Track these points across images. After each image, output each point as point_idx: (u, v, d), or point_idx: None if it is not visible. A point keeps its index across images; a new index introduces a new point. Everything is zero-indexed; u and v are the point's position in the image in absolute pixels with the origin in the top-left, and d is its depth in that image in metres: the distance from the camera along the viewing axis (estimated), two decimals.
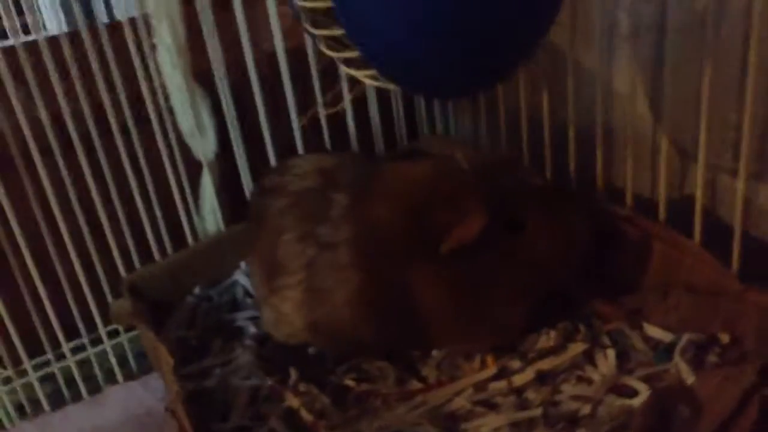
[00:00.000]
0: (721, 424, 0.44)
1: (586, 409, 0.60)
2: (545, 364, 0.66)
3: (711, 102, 0.63)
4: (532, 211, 0.66)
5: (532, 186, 0.71)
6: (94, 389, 0.89)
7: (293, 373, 0.71)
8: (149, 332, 0.73)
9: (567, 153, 0.78)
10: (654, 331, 0.66)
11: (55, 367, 0.86)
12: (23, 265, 0.81)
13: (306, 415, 0.66)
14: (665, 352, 0.62)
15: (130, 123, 0.81)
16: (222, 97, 0.85)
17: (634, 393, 0.59)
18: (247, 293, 0.84)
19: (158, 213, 0.86)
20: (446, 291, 0.66)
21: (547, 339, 0.69)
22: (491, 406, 0.65)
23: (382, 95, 0.96)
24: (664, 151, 0.70)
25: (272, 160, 0.89)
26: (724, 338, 0.62)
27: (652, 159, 0.77)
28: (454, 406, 0.66)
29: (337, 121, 0.91)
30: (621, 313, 0.68)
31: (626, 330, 0.67)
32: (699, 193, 0.66)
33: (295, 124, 0.88)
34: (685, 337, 0.62)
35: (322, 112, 0.89)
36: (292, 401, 0.68)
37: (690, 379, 0.57)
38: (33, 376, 0.84)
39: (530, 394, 0.64)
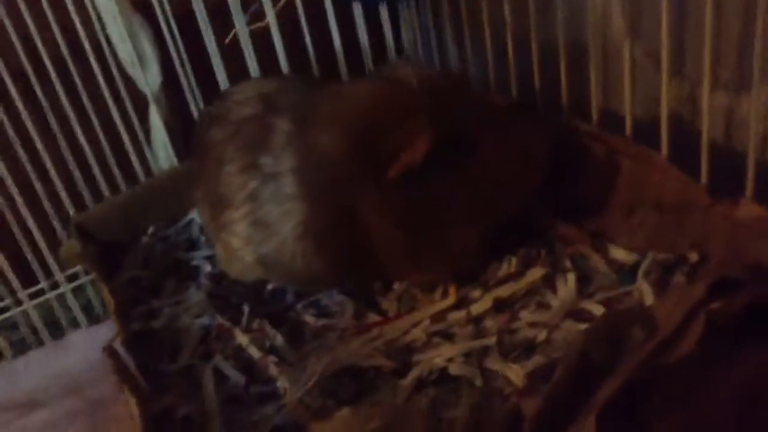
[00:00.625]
0: (662, 343, 0.41)
1: (542, 336, 0.57)
2: (503, 291, 0.62)
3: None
4: (485, 130, 0.61)
5: (486, 104, 0.66)
6: (60, 335, 0.87)
7: (246, 310, 0.68)
8: (96, 273, 0.71)
9: (557, 72, 0.72)
10: (618, 253, 0.62)
11: (14, 312, 0.84)
12: None
13: (255, 352, 0.63)
14: (629, 274, 0.59)
15: (66, 54, 0.76)
16: (162, 23, 0.80)
17: (592, 318, 0.56)
18: (203, 231, 0.81)
19: (107, 151, 0.82)
20: (398, 219, 0.62)
21: (508, 266, 0.65)
22: (448, 336, 0.62)
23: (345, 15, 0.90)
24: (627, 61, 0.64)
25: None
26: (693, 257, 0.58)
27: (631, 75, 0.72)
28: (410, 338, 0.63)
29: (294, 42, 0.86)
30: (584, 235, 0.64)
31: (589, 253, 0.63)
32: (664, 102, 0.60)
33: (248, 51, 0.83)
34: (650, 257, 0.58)
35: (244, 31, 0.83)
36: (242, 338, 0.65)
37: (650, 301, 0.53)
38: None
39: (488, 323, 0.61)
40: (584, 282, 0.61)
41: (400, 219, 0.62)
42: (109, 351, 0.58)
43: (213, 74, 0.85)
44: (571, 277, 0.61)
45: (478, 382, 0.56)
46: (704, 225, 0.57)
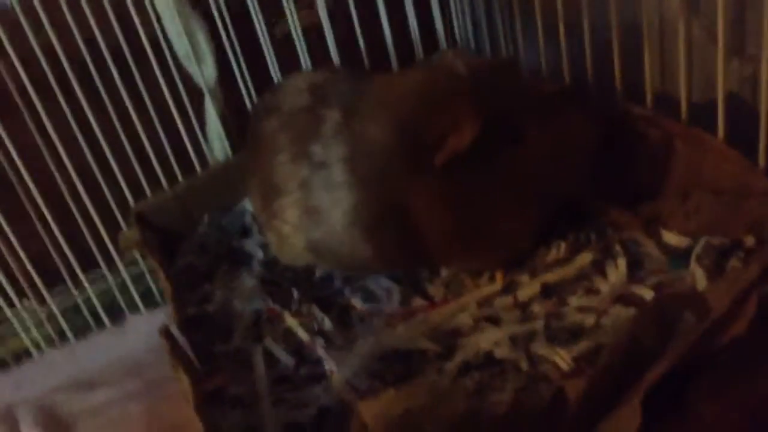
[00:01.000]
0: (714, 324, 0.39)
1: (590, 321, 0.56)
2: (551, 277, 0.62)
3: None
4: (532, 117, 0.61)
5: (534, 91, 0.65)
6: (120, 320, 0.91)
7: (296, 295, 0.70)
8: (154, 259, 0.73)
9: (610, 56, 0.71)
10: (671, 238, 0.60)
11: (77, 298, 0.87)
12: (35, 206, 0.82)
13: (303, 335, 0.65)
14: (682, 258, 0.57)
15: (126, 50, 0.79)
16: (218, 19, 0.82)
17: (642, 302, 0.55)
18: (256, 219, 0.82)
19: (165, 143, 0.84)
20: (446, 207, 0.62)
21: (557, 251, 0.64)
22: (494, 321, 0.62)
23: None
24: (682, 39, 0.62)
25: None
26: (749, 241, 0.56)
27: (687, 54, 0.70)
28: (457, 323, 0.63)
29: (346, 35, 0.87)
30: (637, 220, 0.63)
31: (641, 238, 0.62)
32: (720, 81, 0.58)
33: (300, 45, 0.84)
34: (703, 241, 0.56)
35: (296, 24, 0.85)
36: (291, 322, 0.66)
37: (703, 285, 0.52)
38: (54, 307, 0.86)
39: (535, 308, 0.61)
40: (635, 267, 0.60)
41: (449, 206, 0.62)
42: (165, 333, 0.60)
43: (266, 68, 0.87)
44: (622, 262, 0.60)
45: (524, 367, 0.56)
46: (762, 209, 0.55)
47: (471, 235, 0.63)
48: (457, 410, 0.43)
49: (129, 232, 0.80)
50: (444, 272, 0.69)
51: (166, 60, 0.82)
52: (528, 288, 0.62)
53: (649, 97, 0.67)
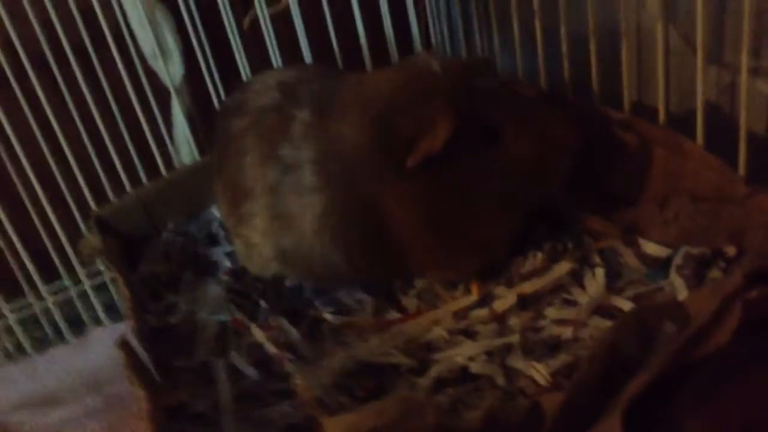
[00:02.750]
0: (697, 332, 0.38)
1: (568, 334, 0.54)
2: (528, 287, 0.60)
3: None
4: (511, 118, 0.59)
5: (512, 91, 0.63)
6: (81, 333, 0.87)
7: (263, 306, 0.67)
8: (114, 268, 0.70)
9: (587, 61, 0.69)
10: (650, 248, 0.59)
11: (35, 309, 0.84)
12: None
13: (270, 348, 0.62)
14: (661, 269, 0.56)
15: (88, 45, 0.75)
16: (185, 12, 0.79)
17: (621, 314, 0.53)
18: (223, 226, 0.79)
19: (129, 144, 0.81)
20: (419, 211, 0.59)
21: (534, 261, 0.62)
22: (470, 334, 0.59)
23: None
24: (660, 45, 0.61)
25: None
26: (730, 251, 0.54)
27: (665, 61, 0.68)
28: (431, 336, 0.60)
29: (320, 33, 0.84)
30: (614, 229, 0.61)
31: (619, 248, 0.60)
32: (699, 88, 0.57)
33: (270, 42, 0.82)
34: (683, 251, 0.55)
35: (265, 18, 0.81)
36: (258, 335, 0.63)
37: (683, 296, 0.50)
38: (11, 319, 0.82)
39: (512, 320, 0.59)
40: (613, 277, 0.58)
41: (422, 211, 0.59)
42: (122, 344, 0.57)
43: (236, 67, 0.84)
44: (600, 272, 0.58)
45: (501, 382, 0.53)
46: (742, 217, 0.54)
47: (446, 241, 0.61)
48: (428, 428, 0.40)
49: (90, 239, 0.76)
50: (418, 283, 0.67)
51: (131, 56, 0.79)
52: (504, 300, 0.60)
53: (626, 104, 0.65)
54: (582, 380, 0.40)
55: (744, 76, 0.55)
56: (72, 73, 0.76)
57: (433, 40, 0.95)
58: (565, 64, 0.70)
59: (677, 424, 0.37)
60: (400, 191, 0.59)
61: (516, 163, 0.59)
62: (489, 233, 0.61)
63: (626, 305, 0.53)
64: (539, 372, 0.52)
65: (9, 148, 0.76)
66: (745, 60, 0.54)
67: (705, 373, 0.38)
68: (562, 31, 0.69)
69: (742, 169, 0.56)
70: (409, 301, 0.66)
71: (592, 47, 0.67)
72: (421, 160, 0.57)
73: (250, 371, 0.61)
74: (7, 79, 0.74)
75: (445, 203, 0.59)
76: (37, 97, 0.76)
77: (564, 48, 0.70)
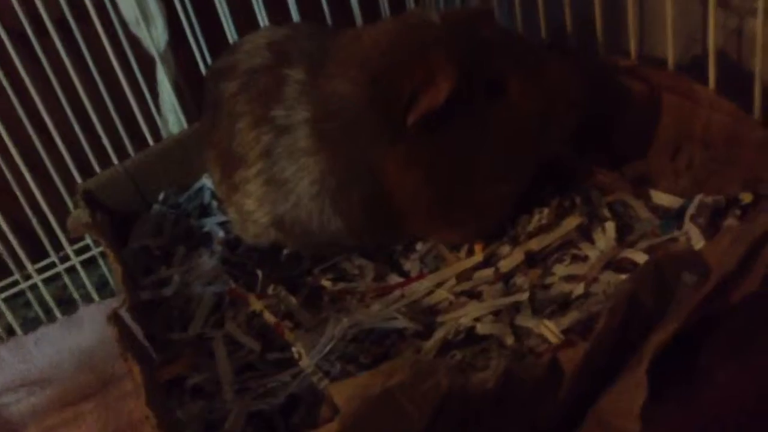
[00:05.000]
0: (723, 281, 0.35)
1: (579, 290, 0.52)
2: (535, 245, 0.57)
3: None
4: (514, 69, 0.56)
5: (515, 40, 0.60)
6: (71, 311, 0.84)
7: (261, 276, 0.64)
8: (104, 242, 0.67)
9: (591, 9, 0.66)
10: (662, 198, 0.56)
11: (23, 286, 0.81)
12: None
13: (269, 317, 0.59)
14: (675, 219, 0.53)
15: (67, 13, 0.72)
16: None
17: (635, 268, 0.51)
18: (215, 197, 0.77)
19: (114, 115, 0.78)
20: (420, 172, 0.57)
21: (540, 218, 0.60)
22: (475, 295, 0.57)
23: None
24: None
25: None
26: (746, 198, 0.52)
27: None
28: (435, 299, 0.58)
29: None
30: (624, 181, 0.59)
31: (629, 200, 0.57)
32: (711, 33, 0.54)
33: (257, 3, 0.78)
34: (697, 200, 0.52)
35: None
36: (256, 304, 0.61)
37: (700, 245, 0.48)
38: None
39: (519, 279, 0.56)
40: (625, 231, 0.56)
41: (424, 171, 0.57)
42: (114, 318, 0.54)
43: (222, 30, 0.81)
44: (610, 226, 0.56)
45: (510, 341, 0.51)
46: (757, 162, 0.52)
47: (448, 203, 0.59)
48: (441, 387, 0.38)
49: (77, 213, 0.73)
50: (420, 246, 0.65)
51: (113, 24, 0.75)
52: (510, 258, 0.58)
53: (633, 51, 0.63)
54: (603, 333, 0.38)
55: (760, 20, 0.52)
56: (52, 42, 0.73)
57: None
58: (567, 13, 0.67)
59: (708, 374, 0.35)
60: (400, 151, 0.56)
61: (521, 117, 0.56)
62: (494, 192, 0.59)
63: (641, 258, 0.51)
64: (550, 330, 0.50)
65: None
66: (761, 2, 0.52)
67: (737, 321, 0.36)
68: None
69: (757, 114, 0.53)
70: (411, 265, 0.63)
71: None
72: (421, 117, 0.54)
73: (250, 342, 0.58)
74: None
75: (448, 162, 0.57)
76: (16, 71, 0.73)
77: None
